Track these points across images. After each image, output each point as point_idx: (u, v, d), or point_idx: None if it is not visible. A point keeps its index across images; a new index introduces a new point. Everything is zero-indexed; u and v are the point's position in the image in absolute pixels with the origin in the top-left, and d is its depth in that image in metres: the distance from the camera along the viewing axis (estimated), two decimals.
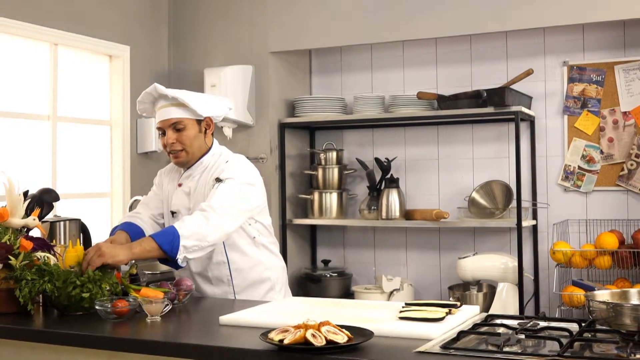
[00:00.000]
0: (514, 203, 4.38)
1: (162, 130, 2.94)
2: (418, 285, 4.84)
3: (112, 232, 3.04)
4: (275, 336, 2.02)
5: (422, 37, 4.59)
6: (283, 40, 4.84)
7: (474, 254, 4.46)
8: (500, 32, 4.56)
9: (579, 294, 4.15)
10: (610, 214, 4.43)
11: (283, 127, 4.88)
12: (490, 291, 4.42)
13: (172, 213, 3.03)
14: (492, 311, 3.96)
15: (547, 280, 4.58)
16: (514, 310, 4.20)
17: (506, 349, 1.97)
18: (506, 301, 4.26)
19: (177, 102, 2.91)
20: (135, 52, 4.80)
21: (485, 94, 4.33)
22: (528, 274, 4.49)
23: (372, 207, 4.76)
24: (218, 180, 2.88)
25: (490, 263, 4.39)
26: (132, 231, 2.96)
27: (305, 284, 4.88)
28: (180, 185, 3.03)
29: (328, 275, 4.84)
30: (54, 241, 3.25)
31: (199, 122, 2.95)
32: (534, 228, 4.60)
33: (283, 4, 4.83)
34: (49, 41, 4.25)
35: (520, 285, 4.23)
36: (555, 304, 4.47)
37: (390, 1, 4.55)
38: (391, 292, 4.57)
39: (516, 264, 4.28)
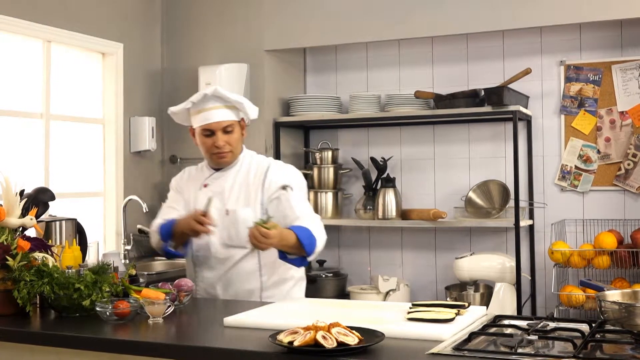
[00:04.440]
0: (511, 203, 4.37)
1: (210, 132, 2.91)
2: (414, 286, 4.81)
3: (165, 228, 2.93)
4: (284, 338, 1.98)
5: (418, 36, 4.57)
6: (278, 39, 4.80)
7: (471, 254, 4.44)
8: (497, 31, 4.54)
9: (577, 294, 4.15)
10: (607, 213, 4.43)
11: (278, 126, 4.84)
12: (487, 291, 4.40)
13: None
14: (489, 312, 3.93)
15: (543, 281, 4.57)
16: (511, 310, 4.19)
17: (520, 350, 1.94)
18: (503, 301, 4.24)
19: (230, 104, 2.92)
20: (129, 50, 4.75)
21: (483, 93, 4.31)
22: (525, 274, 4.48)
23: (368, 207, 4.73)
24: (284, 187, 2.90)
25: (487, 263, 4.37)
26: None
27: None
28: (205, 185, 3.01)
29: (323, 276, 4.80)
30: (49, 241, 3.18)
31: (240, 124, 2.98)
32: (531, 228, 4.59)
33: (278, 1, 4.79)
34: (42, 38, 4.18)
35: (518, 285, 4.21)
36: (552, 304, 4.46)
37: (386, 0, 4.52)
38: (387, 293, 4.54)
39: (513, 264, 4.26)
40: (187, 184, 3.09)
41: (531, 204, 4.57)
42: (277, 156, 4.80)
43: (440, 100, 4.49)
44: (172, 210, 3.05)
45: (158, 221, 3.03)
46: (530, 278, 4.55)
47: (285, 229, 2.71)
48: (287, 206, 2.88)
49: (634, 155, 4.35)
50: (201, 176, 3.06)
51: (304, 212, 2.86)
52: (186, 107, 2.97)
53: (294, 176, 3.00)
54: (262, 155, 3.10)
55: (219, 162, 2.98)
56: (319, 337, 1.93)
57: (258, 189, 2.93)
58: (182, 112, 3.02)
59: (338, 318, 2.08)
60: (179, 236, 2.90)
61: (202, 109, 2.91)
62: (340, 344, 1.93)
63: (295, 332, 1.99)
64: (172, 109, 3.05)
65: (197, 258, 3.00)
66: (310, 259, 2.78)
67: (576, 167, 4.50)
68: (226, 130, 2.91)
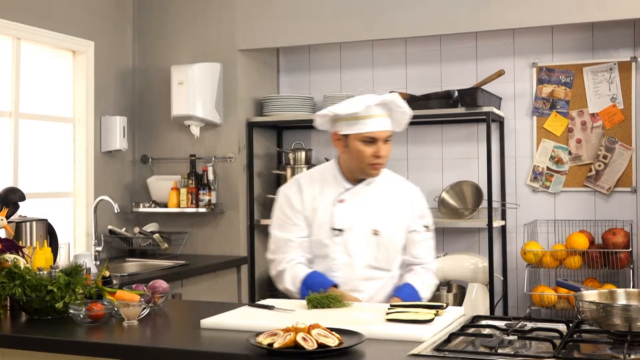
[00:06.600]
0: (483, 204, 4.40)
1: (372, 140, 2.70)
2: None
3: (306, 288, 2.70)
4: (264, 340, 1.95)
5: (392, 37, 4.57)
6: (251, 38, 4.77)
7: (444, 255, 4.45)
8: (470, 33, 4.56)
9: (549, 294, 4.18)
10: (578, 214, 4.47)
11: (251, 126, 4.81)
12: (460, 292, 4.41)
13: (339, 230, 2.76)
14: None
15: (515, 281, 4.60)
16: (484, 310, 4.20)
17: (500, 350, 1.95)
18: (476, 302, 4.26)
19: (389, 114, 2.73)
20: (100, 48, 4.67)
21: (457, 94, 4.33)
22: (498, 275, 4.50)
23: None
24: (427, 227, 2.88)
25: (460, 263, 4.38)
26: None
27: (273, 286, 4.78)
28: (342, 201, 2.78)
29: None
30: (20, 242, 3.12)
31: None
32: (503, 228, 4.62)
33: (251, 1, 4.75)
34: (11, 35, 4.10)
35: (490, 285, 4.23)
36: (524, 304, 4.49)
37: (360, 0, 4.52)
38: None
39: (486, 264, 4.29)
40: (312, 198, 2.80)
41: (503, 205, 4.60)
42: (250, 156, 4.77)
43: (414, 101, 4.49)
44: (296, 249, 2.80)
45: (293, 272, 2.77)
46: (502, 278, 4.58)
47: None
48: (420, 248, 2.85)
49: (605, 157, 4.40)
50: (333, 188, 2.81)
51: (428, 262, 2.86)
52: (351, 112, 2.68)
53: (427, 208, 2.95)
54: (392, 172, 2.92)
55: (372, 173, 2.76)
56: (299, 338, 1.91)
57: (407, 215, 2.83)
58: (325, 117, 2.78)
59: (316, 319, 2.07)
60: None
61: (367, 115, 2.68)
62: (321, 345, 1.91)
63: (275, 334, 1.96)
64: (323, 115, 2.76)
65: (334, 278, 2.76)
66: None
67: (548, 168, 4.54)
68: (386, 140, 2.72)
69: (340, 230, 2.76)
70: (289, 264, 2.79)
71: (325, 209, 2.78)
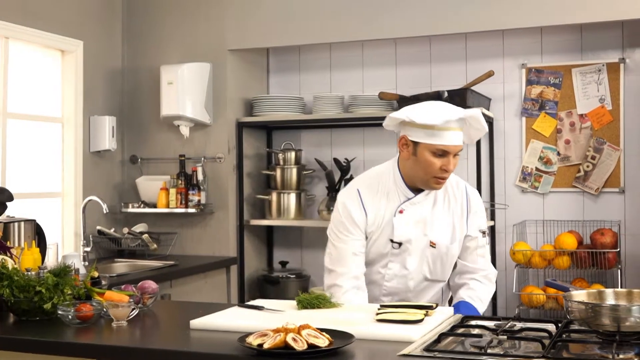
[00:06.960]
0: None
1: (442, 152, 2.61)
2: None
3: None
4: (253, 340, 1.95)
5: (382, 37, 4.58)
6: (241, 38, 4.76)
7: None
8: (460, 34, 4.57)
9: (538, 294, 4.20)
10: (566, 214, 4.49)
11: (241, 127, 4.80)
12: None
13: (398, 244, 2.72)
14: None
15: (504, 281, 4.61)
16: None
17: (490, 350, 1.95)
18: None
19: (463, 127, 2.66)
20: (89, 48, 4.66)
21: (446, 95, 4.34)
22: None
23: (331, 208, 4.69)
24: (483, 233, 2.79)
25: None
26: None
27: (263, 286, 4.81)
28: (402, 212, 2.72)
29: (285, 277, 4.78)
30: (8, 243, 3.10)
31: None
32: (492, 229, 4.63)
33: (241, 1, 4.75)
34: None
35: None
36: (512, 304, 4.51)
37: (350, 1, 4.52)
38: None
39: None
40: (374, 214, 2.73)
41: (492, 205, 4.61)
42: (240, 157, 4.77)
43: (404, 102, 4.49)
44: (355, 263, 2.73)
45: (342, 298, 2.65)
46: None
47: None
48: (475, 255, 2.79)
49: (593, 158, 4.42)
50: (393, 196, 2.74)
51: (484, 269, 2.80)
52: (429, 123, 2.59)
53: (484, 213, 2.86)
54: (452, 175, 2.79)
55: (435, 186, 2.69)
56: (289, 339, 1.91)
57: (463, 223, 2.77)
58: (396, 119, 2.69)
59: (306, 319, 2.07)
60: None
61: (444, 127, 2.60)
62: (311, 346, 1.91)
63: (265, 335, 1.96)
64: (396, 118, 2.67)
65: (385, 288, 2.78)
66: None
67: (537, 169, 4.55)
68: (456, 154, 2.66)
69: (398, 243, 2.72)
70: (345, 284, 2.71)
71: (385, 221, 2.73)
